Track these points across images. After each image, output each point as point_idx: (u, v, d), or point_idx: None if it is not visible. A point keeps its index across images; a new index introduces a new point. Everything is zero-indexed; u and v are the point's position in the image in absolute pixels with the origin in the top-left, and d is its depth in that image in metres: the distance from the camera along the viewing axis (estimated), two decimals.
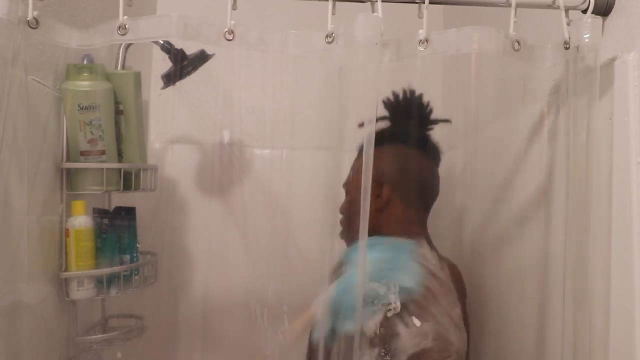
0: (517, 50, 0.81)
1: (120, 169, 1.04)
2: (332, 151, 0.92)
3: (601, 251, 0.81)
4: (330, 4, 0.77)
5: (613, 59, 0.80)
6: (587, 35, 0.81)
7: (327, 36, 0.79)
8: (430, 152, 1.07)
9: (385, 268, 0.90)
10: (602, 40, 0.81)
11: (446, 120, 1.08)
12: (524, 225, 1.02)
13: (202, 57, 1.09)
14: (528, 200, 1.01)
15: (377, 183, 0.99)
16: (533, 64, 0.85)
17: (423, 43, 0.79)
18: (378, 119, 0.99)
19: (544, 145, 0.95)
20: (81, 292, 1.01)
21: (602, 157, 0.81)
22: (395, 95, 1.06)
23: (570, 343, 0.83)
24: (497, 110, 1.09)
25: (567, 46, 0.82)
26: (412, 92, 1.06)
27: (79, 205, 1.01)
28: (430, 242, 1.01)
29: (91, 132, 0.99)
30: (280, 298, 1.06)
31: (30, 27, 0.79)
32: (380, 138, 0.86)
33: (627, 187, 0.76)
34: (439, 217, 1.05)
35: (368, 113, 0.80)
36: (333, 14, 0.78)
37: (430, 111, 1.08)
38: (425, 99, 1.06)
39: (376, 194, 1.01)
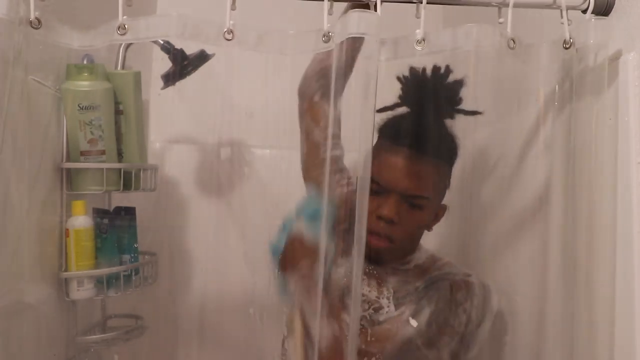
0: (512, 48, 0.80)
1: (120, 169, 1.04)
2: None
3: (602, 251, 0.80)
4: (326, 3, 0.77)
5: (613, 59, 0.80)
6: (587, 36, 0.80)
7: (323, 35, 0.79)
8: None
9: None
10: (602, 40, 0.81)
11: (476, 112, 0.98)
12: (522, 228, 1.02)
13: (202, 57, 1.09)
14: (528, 201, 1.00)
15: (439, 202, 0.98)
16: (532, 64, 0.85)
17: (420, 42, 0.79)
18: (395, 105, 0.96)
19: (544, 145, 0.94)
20: (81, 292, 1.01)
21: (601, 157, 0.81)
22: (415, 71, 0.96)
23: (570, 343, 0.83)
24: (496, 110, 1.08)
25: (567, 46, 0.82)
26: (439, 68, 0.95)
27: (79, 205, 1.01)
28: None
29: (91, 132, 0.99)
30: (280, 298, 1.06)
31: (33, 28, 0.79)
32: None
33: (628, 187, 0.76)
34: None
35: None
36: (330, 14, 0.78)
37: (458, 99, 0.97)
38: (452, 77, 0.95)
39: (436, 214, 0.99)
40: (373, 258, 0.95)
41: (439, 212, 1.01)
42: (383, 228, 0.93)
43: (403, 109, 0.98)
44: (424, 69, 0.95)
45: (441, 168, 0.98)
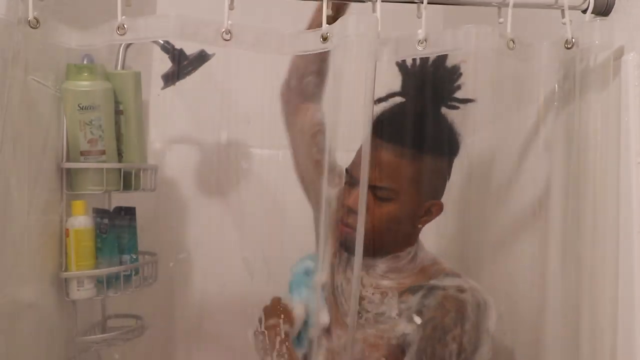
0: (512, 48, 0.80)
1: (120, 169, 1.04)
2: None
3: (605, 251, 0.80)
4: (325, 3, 0.77)
5: (615, 59, 0.80)
6: (592, 36, 0.80)
7: (321, 36, 0.79)
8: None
9: None
10: (607, 41, 0.81)
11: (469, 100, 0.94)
12: (523, 228, 1.02)
13: (202, 57, 1.09)
14: (528, 201, 1.00)
15: (423, 196, 0.92)
16: (532, 64, 0.85)
17: (422, 43, 0.79)
18: (390, 95, 0.95)
19: (544, 145, 0.94)
20: (81, 292, 1.01)
21: (601, 157, 0.80)
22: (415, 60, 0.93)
23: (574, 344, 0.83)
24: (495, 110, 1.08)
25: (569, 46, 0.82)
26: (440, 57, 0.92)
27: (79, 205, 1.01)
28: None
29: (91, 132, 0.99)
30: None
31: (31, 27, 0.79)
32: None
33: (627, 187, 0.76)
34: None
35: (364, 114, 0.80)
36: (328, 14, 0.78)
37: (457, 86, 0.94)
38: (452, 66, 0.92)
39: (426, 209, 0.94)
40: (351, 249, 0.87)
41: (432, 208, 0.95)
42: (349, 218, 0.92)
43: (398, 100, 0.95)
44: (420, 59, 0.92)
45: (424, 161, 0.91)
